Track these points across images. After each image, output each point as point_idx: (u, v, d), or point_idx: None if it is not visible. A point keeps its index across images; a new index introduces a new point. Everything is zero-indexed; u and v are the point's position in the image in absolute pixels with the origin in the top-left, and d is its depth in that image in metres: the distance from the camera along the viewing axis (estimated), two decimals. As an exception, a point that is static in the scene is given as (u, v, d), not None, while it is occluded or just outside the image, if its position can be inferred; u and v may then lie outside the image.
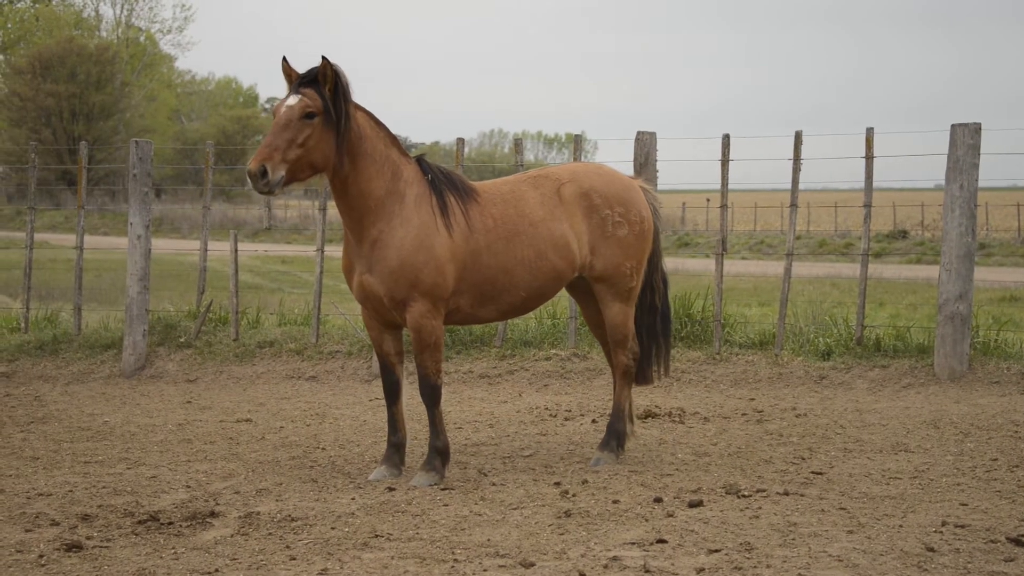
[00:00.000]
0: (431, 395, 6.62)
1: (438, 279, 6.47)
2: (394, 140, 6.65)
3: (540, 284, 6.84)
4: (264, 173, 6.11)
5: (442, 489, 6.38)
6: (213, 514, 5.83)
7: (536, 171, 7.18)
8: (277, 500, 6.14)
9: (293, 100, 6.27)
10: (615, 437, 7.12)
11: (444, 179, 6.66)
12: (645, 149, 10.66)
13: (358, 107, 6.50)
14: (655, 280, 7.44)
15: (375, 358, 10.53)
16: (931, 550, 5.04)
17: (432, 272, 6.44)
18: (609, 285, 7.02)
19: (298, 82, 6.33)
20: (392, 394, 6.78)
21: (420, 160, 6.73)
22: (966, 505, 5.86)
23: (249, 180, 6.16)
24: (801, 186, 10.59)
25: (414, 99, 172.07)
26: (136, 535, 5.51)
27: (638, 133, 10.73)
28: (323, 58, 6.28)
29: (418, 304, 6.46)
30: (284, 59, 6.45)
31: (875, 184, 10.43)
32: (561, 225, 6.83)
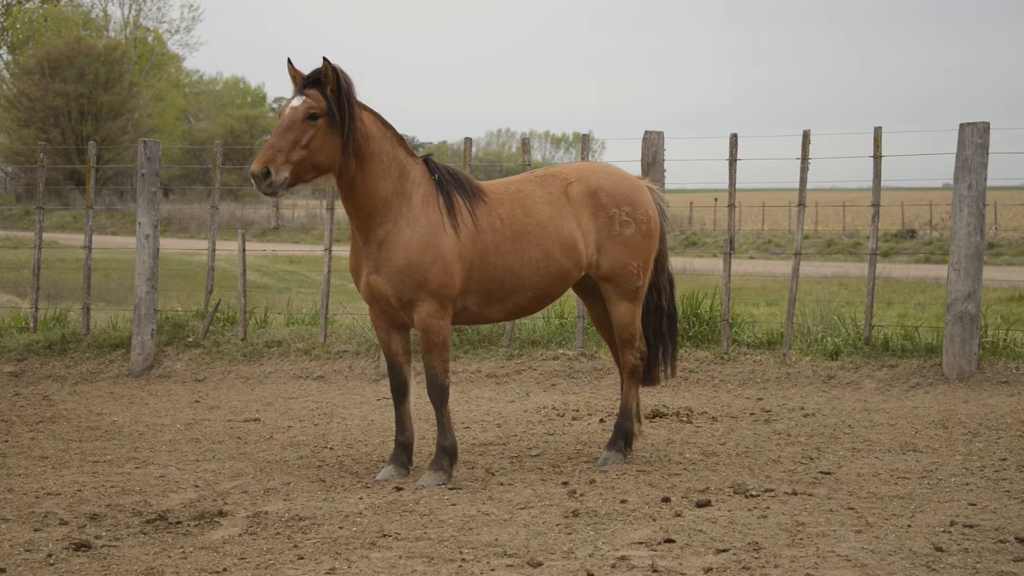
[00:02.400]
0: (439, 395, 6.62)
1: (445, 279, 6.47)
2: (401, 140, 6.65)
3: (547, 284, 6.84)
4: (267, 175, 6.11)
5: (450, 489, 6.39)
6: (221, 513, 5.84)
7: (543, 170, 7.17)
8: (285, 499, 6.15)
9: (297, 101, 6.27)
10: (623, 437, 7.12)
11: (451, 179, 6.66)
12: (652, 148, 10.65)
13: (364, 107, 6.50)
14: (661, 281, 7.44)
15: (383, 358, 10.54)
16: (940, 550, 5.03)
17: (439, 272, 6.44)
18: (616, 284, 7.02)
19: (302, 83, 6.34)
20: (399, 394, 6.78)
21: (427, 160, 6.74)
22: (975, 505, 5.84)
23: (253, 181, 6.17)
24: (809, 185, 10.56)
25: (421, 99, 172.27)
26: (144, 534, 5.52)
27: (646, 132, 10.71)
28: (324, 59, 6.29)
29: (425, 304, 6.47)
30: (288, 60, 6.46)
31: (883, 183, 10.40)
32: (568, 224, 6.83)
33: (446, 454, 6.60)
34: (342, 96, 6.29)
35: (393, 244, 6.45)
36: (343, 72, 6.33)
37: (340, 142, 6.31)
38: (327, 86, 6.28)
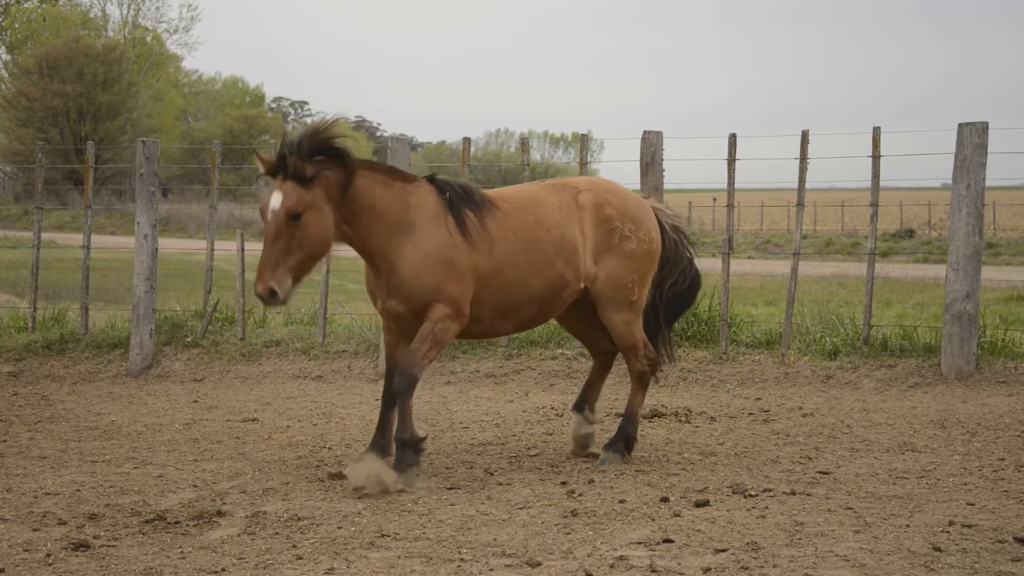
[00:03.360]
0: (408, 385, 6.42)
1: (459, 288, 6.47)
2: (392, 172, 6.57)
3: (552, 295, 6.84)
4: (273, 293, 6.04)
5: (448, 488, 6.38)
6: (220, 513, 5.84)
7: (555, 180, 7.22)
8: (284, 499, 6.15)
9: (275, 203, 6.08)
10: (623, 439, 7.11)
11: (461, 194, 6.60)
12: (651, 148, 10.64)
13: (341, 161, 6.31)
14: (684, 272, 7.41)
15: (381, 357, 10.53)
16: (938, 550, 5.03)
17: (453, 283, 6.43)
18: (611, 296, 6.98)
19: (274, 174, 6.15)
20: (392, 400, 6.72)
21: (433, 180, 6.68)
22: (973, 505, 5.85)
23: (261, 302, 6.14)
24: (808, 185, 10.56)
25: (421, 99, 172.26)
26: (143, 534, 5.52)
27: (644, 132, 10.70)
28: (283, 149, 6.14)
29: (441, 306, 6.44)
30: (255, 153, 6.35)
31: (882, 183, 10.40)
32: (573, 229, 6.85)
33: (407, 448, 6.42)
34: (319, 178, 6.12)
35: (404, 273, 6.42)
36: (317, 137, 6.15)
37: (331, 221, 6.21)
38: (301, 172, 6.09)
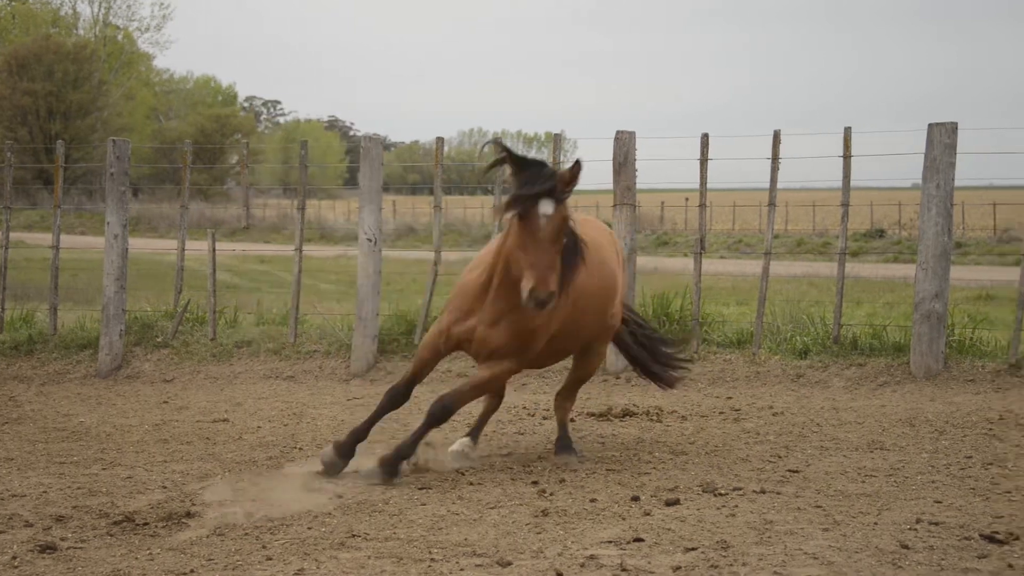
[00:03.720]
0: (443, 416, 6.49)
1: (535, 352, 6.62)
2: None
3: (589, 338, 7.06)
4: (554, 295, 5.97)
5: (419, 488, 6.37)
6: (189, 515, 5.80)
7: (592, 219, 7.53)
8: (254, 500, 6.11)
9: (549, 208, 6.01)
10: (569, 440, 7.23)
11: (569, 244, 6.40)
12: (624, 148, 10.65)
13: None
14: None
15: (353, 357, 10.51)
16: (905, 547, 5.07)
17: (536, 346, 6.58)
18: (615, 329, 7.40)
19: (547, 189, 6.02)
20: (392, 408, 6.72)
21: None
22: (940, 502, 5.89)
23: (537, 303, 5.91)
24: (779, 185, 10.61)
25: (419, 99, 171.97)
26: (111, 536, 5.48)
27: (617, 132, 10.69)
28: (578, 162, 6.14)
29: (510, 364, 6.58)
30: (498, 142, 6.27)
31: (853, 183, 10.48)
32: (618, 271, 7.15)
33: (401, 458, 6.50)
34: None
35: (522, 322, 6.37)
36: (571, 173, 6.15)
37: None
38: (567, 186, 6.10)
